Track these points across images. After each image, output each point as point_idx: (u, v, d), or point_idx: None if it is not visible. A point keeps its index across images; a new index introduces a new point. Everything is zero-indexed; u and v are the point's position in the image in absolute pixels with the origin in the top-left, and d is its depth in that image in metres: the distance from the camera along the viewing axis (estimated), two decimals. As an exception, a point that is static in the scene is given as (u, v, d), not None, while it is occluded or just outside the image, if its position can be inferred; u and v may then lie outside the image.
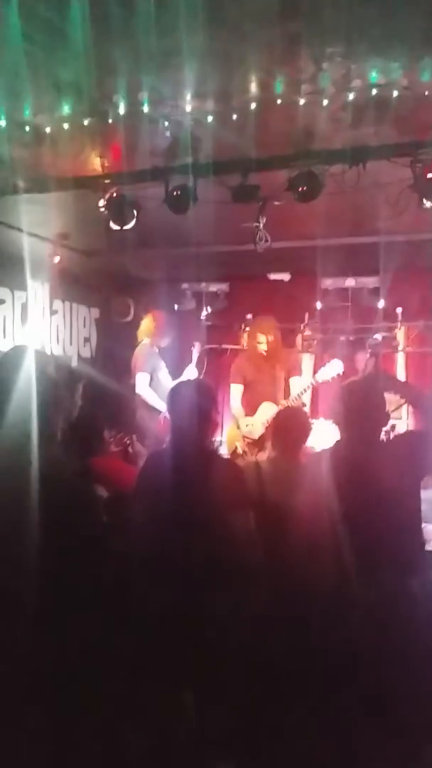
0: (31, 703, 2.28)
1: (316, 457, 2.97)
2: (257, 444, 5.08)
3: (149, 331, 5.78)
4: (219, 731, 2.58)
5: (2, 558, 2.29)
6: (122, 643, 2.65)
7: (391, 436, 3.64)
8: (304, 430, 3.50)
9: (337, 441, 2.80)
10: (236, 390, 5.38)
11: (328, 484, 2.61)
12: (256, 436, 5.11)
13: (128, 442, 3.82)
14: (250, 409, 5.22)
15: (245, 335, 6.17)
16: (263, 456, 4.31)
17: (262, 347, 5.18)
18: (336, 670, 2.48)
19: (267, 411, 5.05)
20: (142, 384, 5.51)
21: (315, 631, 2.58)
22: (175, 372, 5.85)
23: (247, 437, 5.15)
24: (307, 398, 5.41)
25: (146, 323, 5.85)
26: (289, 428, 3.44)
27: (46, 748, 2.27)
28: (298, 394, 5.07)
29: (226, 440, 5.40)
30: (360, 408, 2.69)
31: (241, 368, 5.39)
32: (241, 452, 5.13)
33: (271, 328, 5.24)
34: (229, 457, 5.02)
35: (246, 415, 5.24)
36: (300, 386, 5.14)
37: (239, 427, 5.25)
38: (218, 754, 2.64)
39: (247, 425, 5.17)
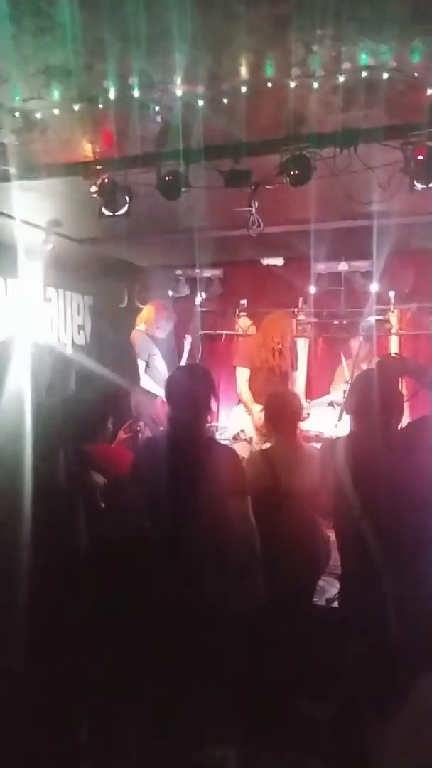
0: (30, 692, 2.31)
1: (329, 445, 2.96)
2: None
3: (147, 319, 5.80)
4: (216, 717, 2.61)
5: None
6: (119, 627, 2.68)
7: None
8: (295, 413, 3.52)
9: (351, 431, 2.77)
10: (243, 374, 5.38)
11: (344, 474, 2.59)
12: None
13: (138, 428, 3.83)
14: (260, 396, 5.20)
15: (240, 320, 6.19)
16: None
17: (279, 346, 5.22)
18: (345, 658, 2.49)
19: None
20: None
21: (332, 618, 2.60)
22: (169, 358, 5.87)
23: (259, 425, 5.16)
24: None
25: (146, 311, 5.87)
26: (280, 412, 3.46)
27: (44, 733, 2.30)
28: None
29: (230, 424, 5.41)
30: (373, 398, 2.63)
31: (248, 353, 5.39)
32: (247, 437, 5.14)
33: (287, 324, 5.31)
34: (231, 440, 5.04)
35: (255, 402, 5.24)
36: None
37: (251, 413, 5.24)
38: (214, 740, 2.67)
39: (259, 413, 5.19)
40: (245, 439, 5.14)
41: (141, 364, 5.54)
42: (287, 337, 5.30)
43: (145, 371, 5.55)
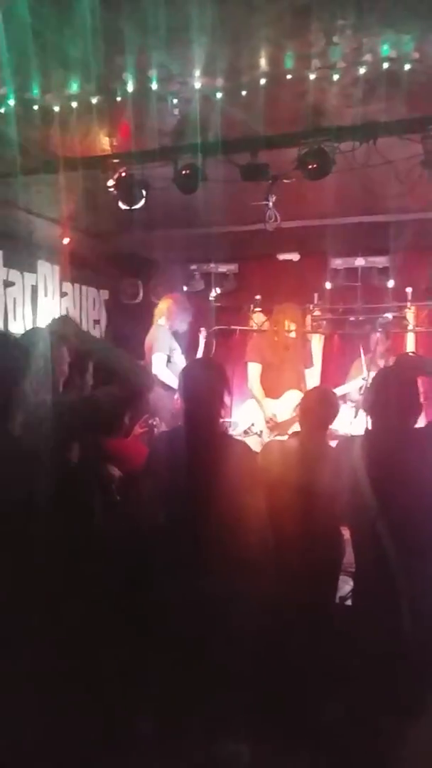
0: (39, 685, 2.31)
1: (346, 443, 2.89)
2: (280, 427, 5.08)
3: (167, 313, 5.78)
4: (228, 714, 2.60)
5: (10, 534, 2.32)
6: (133, 621, 2.68)
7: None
8: (332, 411, 3.49)
9: (369, 430, 2.74)
10: (254, 369, 5.36)
11: (361, 473, 2.57)
12: (281, 420, 5.12)
13: (154, 423, 3.83)
14: (271, 391, 5.22)
15: (255, 316, 6.16)
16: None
17: (291, 335, 5.19)
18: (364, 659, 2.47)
19: (294, 398, 5.04)
20: (159, 364, 5.52)
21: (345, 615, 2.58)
22: (188, 353, 5.86)
23: (271, 420, 5.16)
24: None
25: (164, 304, 5.84)
26: (317, 408, 3.43)
27: (52, 727, 2.31)
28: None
29: (240, 418, 5.41)
30: (391, 396, 2.58)
31: (260, 348, 5.38)
32: (257, 432, 5.14)
33: (297, 315, 5.26)
34: (242, 435, 5.03)
35: (267, 396, 5.23)
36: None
37: (262, 408, 5.23)
38: (227, 737, 2.66)
39: (271, 407, 5.17)
40: (256, 434, 5.13)
41: (162, 359, 5.54)
42: (299, 327, 5.26)
43: (166, 366, 5.55)
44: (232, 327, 6.45)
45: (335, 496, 2.77)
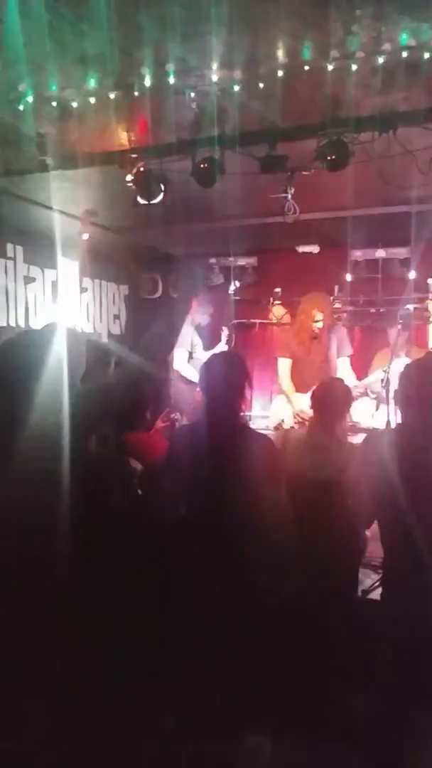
0: (61, 675, 2.34)
1: (373, 437, 2.85)
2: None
3: (192, 309, 5.79)
4: (251, 706, 2.60)
5: (33, 528, 2.34)
6: (152, 614, 2.69)
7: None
8: (344, 404, 3.47)
9: (401, 423, 2.68)
10: (284, 364, 5.31)
11: (392, 467, 2.53)
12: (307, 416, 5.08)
13: (175, 417, 3.85)
14: (302, 386, 5.15)
15: (275, 309, 6.13)
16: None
17: (318, 325, 5.11)
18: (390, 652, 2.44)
19: None
20: (180, 360, 5.53)
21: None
22: (208, 348, 5.87)
23: (300, 415, 5.11)
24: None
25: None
26: (328, 401, 3.42)
27: (70, 716, 2.33)
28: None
29: (271, 414, 5.37)
30: (426, 390, 2.53)
31: (289, 343, 5.32)
32: (287, 428, 5.10)
33: (326, 304, 5.18)
34: (272, 431, 5.00)
35: (297, 391, 5.18)
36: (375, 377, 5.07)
37: (291, 403, 5.20)
38: (249, 730, 2.67)
39: (300, 402, 5.11)
40: (286, 430, 5.09)
41: (184, 355, 5.54)
42: (326, 316, 5.15)
43: (188, 361, 5.55)
44: (252, 320, 6.45)
45: (350, 487, 2.75)
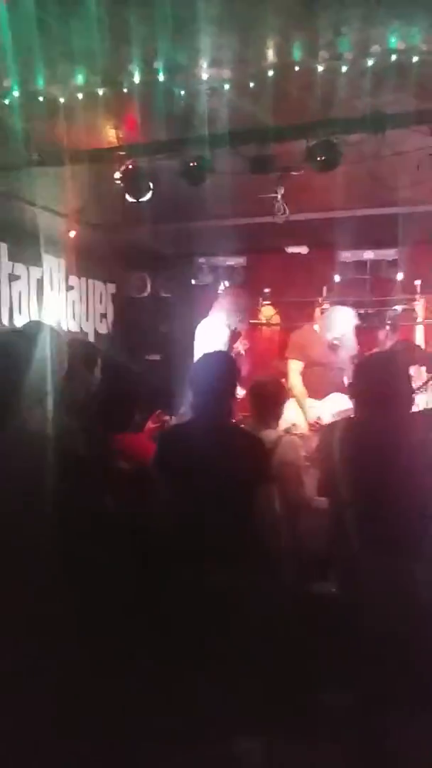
0: (46, 675, 2.31)
1: (329, 428, 2.77)
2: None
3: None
4: (242, 710, 2.59)
5: (18, 527, 2.32)
6: (142, 615, 2.67)
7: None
8: (276, 402, 3.47)
9: (352, 418, 2.63)
10: (296, 367, 5.19)
11: (340, 459, 2.47)
12: (324, 424, 5.01)
13: (165, 418, 3.81)
14: (313, 392, 5.06)
15: (263, 309, 6.11)
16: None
17: (336, 342, 5.02)
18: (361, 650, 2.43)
19: (338, 402, 4.85)
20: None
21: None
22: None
23: (317, 423, 5.03)
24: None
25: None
26: (261, 400, 3.40)
27: (59, 713, 2.30)
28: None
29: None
30: (382, 384, 2.47)
31: (304, 347, 5.21)
32: (298, 433, 5.02)
33: (349, 321, 5.11)
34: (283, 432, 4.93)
35: (310, 397, 5.07)
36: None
37: (303, 408, 5.08)
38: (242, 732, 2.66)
39: (316, 410, 4.99)
40: (297, 434, 5.00)
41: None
42: (347, 334, 5.04)
43: None
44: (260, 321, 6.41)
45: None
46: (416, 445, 2.38)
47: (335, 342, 5.04)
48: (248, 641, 2.53)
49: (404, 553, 2.33)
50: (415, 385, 2.70)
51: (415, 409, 2.64)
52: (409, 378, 2.58)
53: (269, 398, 3.42)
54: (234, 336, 5.50)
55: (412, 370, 2.84)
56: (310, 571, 3.09)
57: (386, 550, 2.32)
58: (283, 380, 5.31)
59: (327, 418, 4.95)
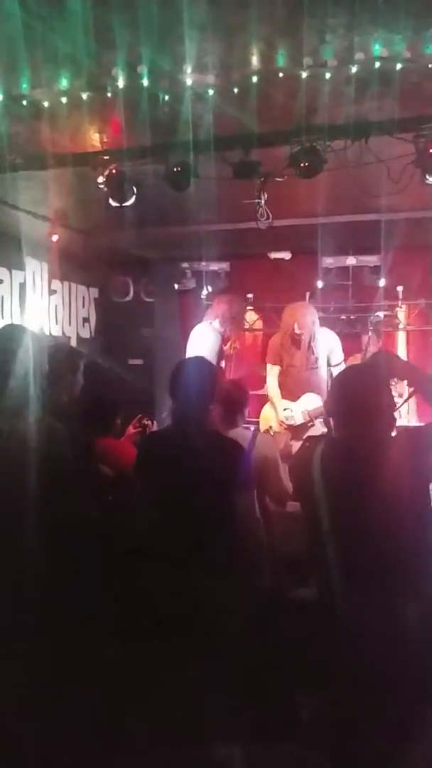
0: (33, 681, 2.30)
1: (306, 448, 2.55)
2: (295, 431, 5.03)
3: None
4: (221, 715, 2.58)
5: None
6: (123, 622, 2.66)
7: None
8: (240, 401, 3.48)
9: (331, 437, 2.45)
10: (273, 370, 5.30)
11: (318, 480, 2.32)
12: (296, 424, 5.07)
13: (147, 423, 3.80)
14: (288, 393, 5.16)
15: (247, 314, 6.12)
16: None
17: (299, 333, 5.07)
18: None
19: (310, 402, 5.01)
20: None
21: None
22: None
23: (286, 423, 5.11)
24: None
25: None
26: (227, 399, 3.41)
27: (46, 720, 2.29)
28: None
29: (260, 420, 5.35)
30: (361, 399, 2.30)
31: (276, 350, 5.29)
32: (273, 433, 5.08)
33: (305, 313, 5.14)
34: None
35: (283, 398, 5.18)
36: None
37: (276, 410, 5.19)
38: (223, 738, 2.65)
39: (285, 410, 5.12)
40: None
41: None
42: (306, 326, 5.08)
43: None
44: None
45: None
46: (399, 466, 2.19)
47: (298, 333, 5.07)
48: (227, 645, 2.53)
49: (389, 587, 2.18)
50: (396, 400, 2.50)
51: (397, 425, 2.44)
52: (390, 394, 2.39)
53: (233, 401, 3.43)
54: (225, 340, 5.52)
55: (393, 383, 2.77)
56: (290, 576, 3.10)
57: (368, 584, 2.19)
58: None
59: (299, 418, 5.02)
